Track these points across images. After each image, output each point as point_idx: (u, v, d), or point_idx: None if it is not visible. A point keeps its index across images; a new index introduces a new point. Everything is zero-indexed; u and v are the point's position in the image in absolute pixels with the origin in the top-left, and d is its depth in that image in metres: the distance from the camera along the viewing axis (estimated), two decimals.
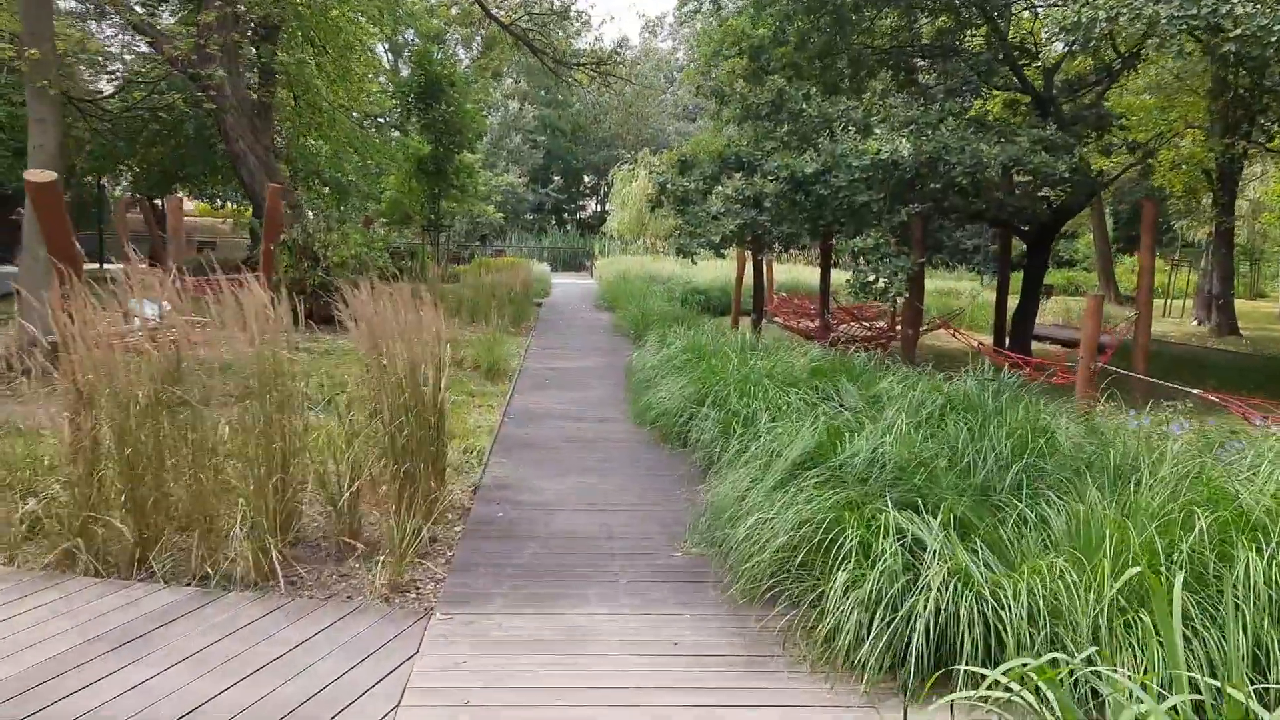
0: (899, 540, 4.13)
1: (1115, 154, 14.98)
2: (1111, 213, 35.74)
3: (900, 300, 11.65)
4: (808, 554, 4.34)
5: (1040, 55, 14.18)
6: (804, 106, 13.54)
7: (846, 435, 5.26)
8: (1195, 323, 25.84)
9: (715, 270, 24.87)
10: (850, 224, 12.45)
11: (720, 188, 13.08)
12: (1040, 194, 13.02)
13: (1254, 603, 3.47)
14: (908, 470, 4.72)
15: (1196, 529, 3.75)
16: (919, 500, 4.49)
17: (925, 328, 15.00)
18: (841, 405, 6.71)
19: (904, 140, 11.52)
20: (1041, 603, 3.69)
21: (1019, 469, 4.69)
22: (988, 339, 15.73)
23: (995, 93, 16.02)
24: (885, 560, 3.99)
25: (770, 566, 4.49)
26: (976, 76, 15.35)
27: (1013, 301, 15.48)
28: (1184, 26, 9.42)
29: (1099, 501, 4.21)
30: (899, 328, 15.33)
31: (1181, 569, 3.62)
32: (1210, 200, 22.71)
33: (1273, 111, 15.21)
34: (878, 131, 12.24)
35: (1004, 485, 4.66)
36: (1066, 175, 11.47)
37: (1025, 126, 12.30)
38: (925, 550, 4.10)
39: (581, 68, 27.82)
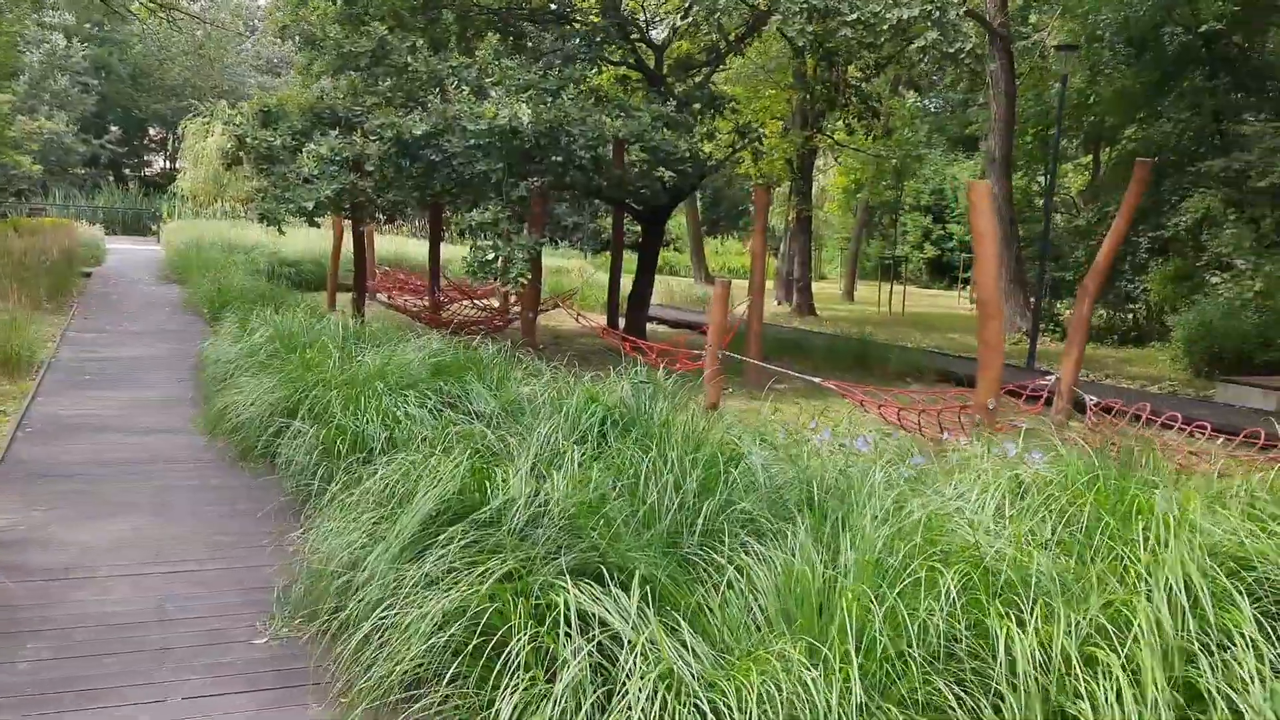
0: (585, 634, 3.01)
1: (721, 137, 15.19)
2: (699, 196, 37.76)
3: (524, 282, 10.65)
4: (461, 664, 3.09)
5: (650, 30, 13.89)
6: (410, 60, 12.03)
7: (496, 471, 4.05)
8: (776, 303, 27.79)
9: (307, 240, 22.49)
10: (466, 195, 11.23)
11: (313, 146, 11.23)
12: (656, 173, 12.64)
13: (1022, 690, 2.79)
14: (580, 519, 3.61)
15: (943, 593, 3.02)
16: (601, 564, 3.40)
17: (542, 308, 14.22)
18: (476, 418, 5.50)
19: (524, 105, 10.47)
20: (778, 712, 2.75)
21: (712, 507, 3.76)
22: (604, 320, 15.31)
23: (607, 67, 15.56)
24: (570, 670, 2.85)
25: (405, 677, 3.18)
26: (589, 47, 14.76)
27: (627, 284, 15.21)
28: (805, 5, 9.32)
29: (813, 553, 3.38)
30: (519, 309, 14.41)
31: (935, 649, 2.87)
32: (790, 188, 24.34)
33: (853, 107, 16.20)
34: (494, 94, 11.09)
35: (695, 530, 3.71)
36: (688, 154, 11.11)
37: (645, 103, 11.78)
38: (621, 642, 3.02)
39: None
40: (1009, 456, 4.33)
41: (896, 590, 3.03)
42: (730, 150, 15.19)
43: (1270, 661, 2.77)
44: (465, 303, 16.35)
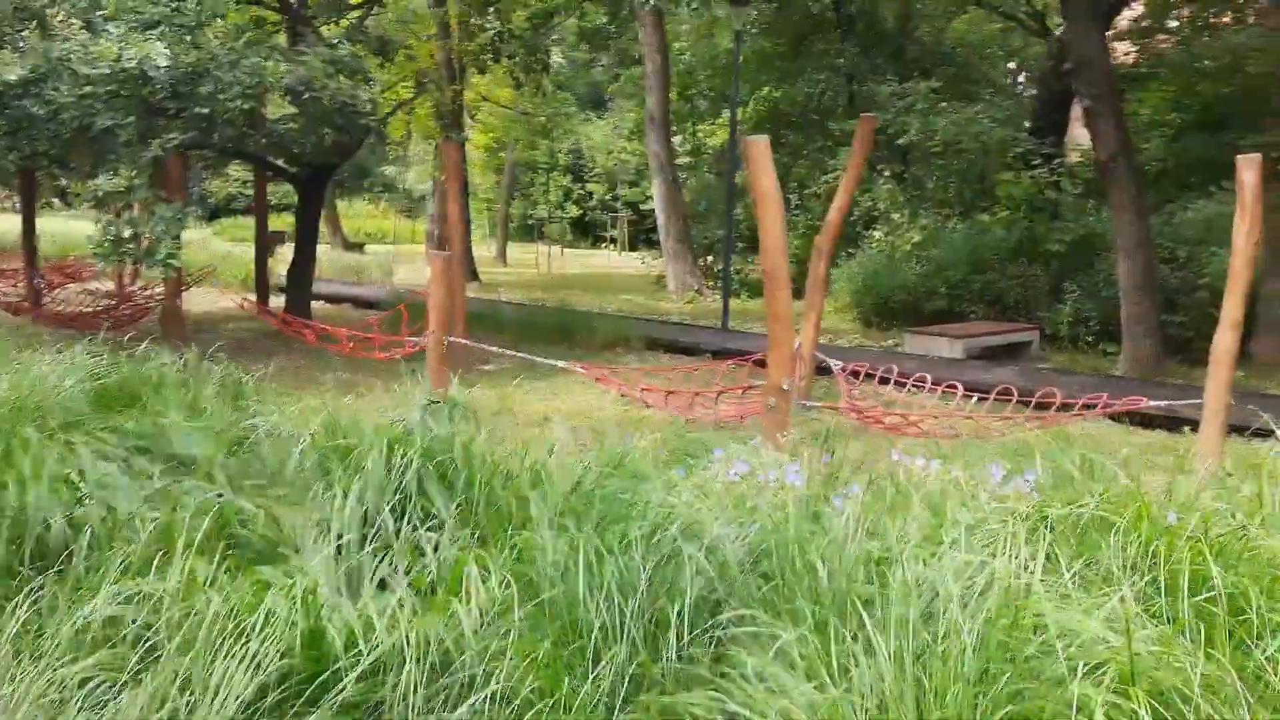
0: None
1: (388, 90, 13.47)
2: None
3: (173, 264, 8.51)
4: None
5: None
6: None
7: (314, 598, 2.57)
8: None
9: None
10: (84, 157, 8.78)
11: None
12: (323, 129, 10.77)
13: None
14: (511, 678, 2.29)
15: None
16: None
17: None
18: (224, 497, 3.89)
19: (159, 44, 8.28)
20: None
21: (681, 609, 2.53)
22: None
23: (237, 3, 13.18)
24: None
25: None
26: None
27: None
28: None
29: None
30: (151, 295, 11.88)
31: None
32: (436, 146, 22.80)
33: (520, 59, 15.13)
34: (111, 29, 8.72)
35: (666, 659, 2.47)
36: (368, 106, 9.47)
37: (310, 44, 9.90)
38: None
39: None
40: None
41: None
42: (401, 100, 13.50)
43: None
44: (73, 288, 13.37)
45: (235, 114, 9.13)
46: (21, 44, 8.54)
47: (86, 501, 3.51)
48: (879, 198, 15.67)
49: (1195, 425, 7.91)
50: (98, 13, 8.90)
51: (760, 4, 19.60)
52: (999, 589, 2.30)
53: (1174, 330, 10.94)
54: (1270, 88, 16.74)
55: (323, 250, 27.63)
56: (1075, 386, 8.99)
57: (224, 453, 4.14)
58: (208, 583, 2.71)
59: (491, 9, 14.52)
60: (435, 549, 2.83)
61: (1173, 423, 8.06)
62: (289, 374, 10.22)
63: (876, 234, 15.32)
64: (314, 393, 9.23)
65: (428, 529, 3.04)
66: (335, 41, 10.23)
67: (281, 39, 11.96)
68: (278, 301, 14.32)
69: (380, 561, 2.87)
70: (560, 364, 7.96)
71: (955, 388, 7.49)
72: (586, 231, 42.99)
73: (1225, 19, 18.80)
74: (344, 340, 9.44)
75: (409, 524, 3.10)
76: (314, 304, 15.84)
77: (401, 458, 3.31)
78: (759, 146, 6.00)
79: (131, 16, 8.85)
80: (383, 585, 2.82)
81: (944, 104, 16.67)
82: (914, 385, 7.70)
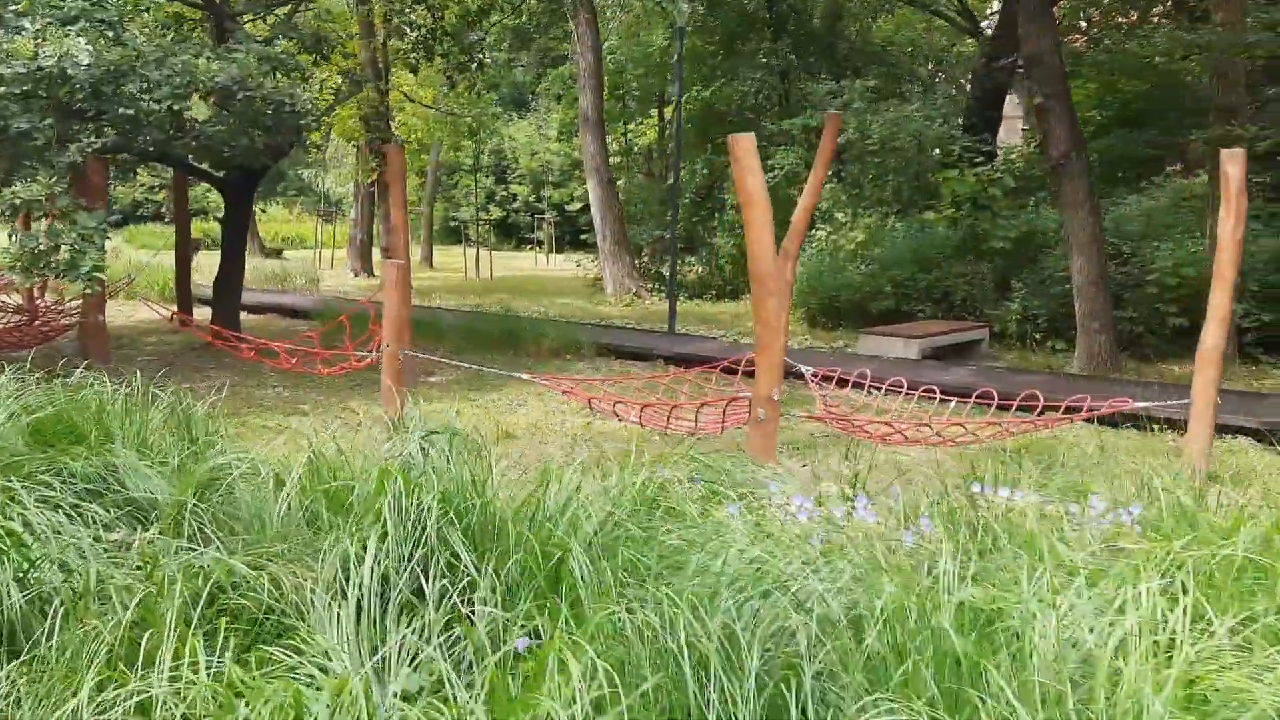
0: None
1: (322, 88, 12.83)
2: None
3: (98, 277, 7.86)
4: None
5: None
6: None
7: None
8: (353, 275, 25.42)
9: None
10: None
11: None
12: (255, 130, 10.16)
13: None
14: None
15: None
16: None
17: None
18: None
19: (80, 41, 7.64)
20: None
21: (800, 690, 2.16)
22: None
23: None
24: None
25: None
26: None
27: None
28: None
29: None
30: (65, 309, 11.09)
31: None
32: (357, 149, 22.10)
33: (454, 57, 14.61)
34: (27, 25, 8.03)
35: None
36: (308, 107, 8.93)
37: (240, 41, 9.30)
38: None
39: None
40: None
41: None
42: (336, 99, 12.87)
43: None
44: None
45: (162, 115, 8.52)
46: None
47: (41, 564, 3.04)
48: (821, 196, 15.56)
49: (1168, 424, 7.93)
50: (10, 7, 8.20)
51: (693, 2, 19.39)
52: (1144, 649, 2.03)
53: (1123, 325, 11.01)
54: (1180, 86, 17.21)
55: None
56: (1044, 386, 8.92)
57: (192, 497, 3.69)
58: (209, 673, 2.29)
59: (422, 5, 13.99)
60: (467, 611, 2.45)
61: (1140, 421, 8.01)
62: (224, 390, 9.61)
63: (819, 233, 15.21)
64: (257, 413, 8.68)
65: (460, 591, 2.66)
66: (267, 38, 9.62)
67: (199, 36, 11.31)
68: (199, 313, 13.62)
69: (408, 630, 2.48)
70: (524, 376, 7.55)
71: (933, 392, 7.34)
72: (510, 234, 42.40)
73: (1133, 18, 19.33)
74: (285, 355, 8.89)
75: (433, 583, 2.71)
76: (250, 317, 15.12)
77: (416, 504, 2.92)
78: (744, 144, 5.72)
79: (48, 11, 8.17)
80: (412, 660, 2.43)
81: (879, 102, 16.68)
82: (890, 389, 7.53)
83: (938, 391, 7.28)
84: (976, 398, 6.97)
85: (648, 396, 8.20)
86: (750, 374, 8.35)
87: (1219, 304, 6.18)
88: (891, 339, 11.52)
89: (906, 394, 7.44)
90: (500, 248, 42.66)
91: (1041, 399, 6.71)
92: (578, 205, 39.68)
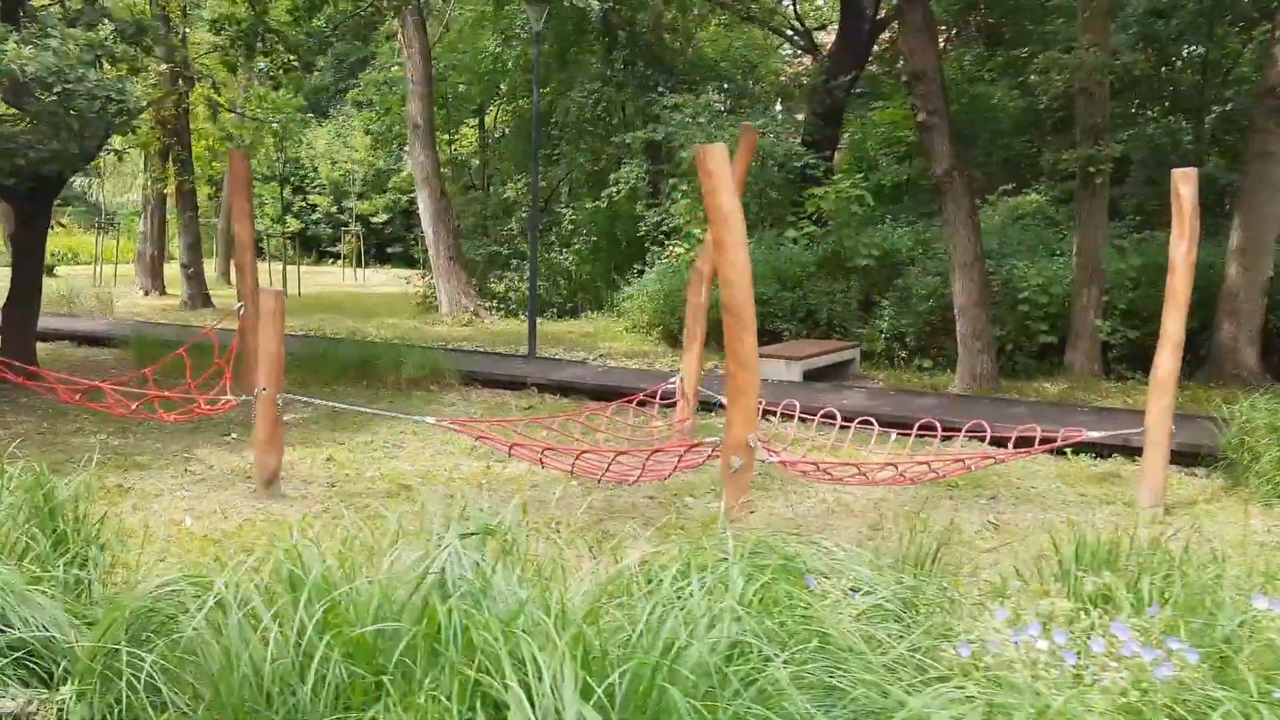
0: None
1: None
2: None
3: None
4: None
5: None
6: None
7: None
8: (143, 294, 22.95)
9: None
10: None
11: None
12: (63, 131, 8.56)
13: None
14: None
15: None
16: None
17: None
18: None
19: None
20: None
21: None
22: None
23: None
24: None
25: None
26: None
27: None
28: None
29: None
30: None
31: None
32: (170, 156, 19.91)
33: (277, 56, 13.20)
34: None
35: None
36: (142, 104, 7.57)
37: (56, 24, 7.77)
38: None
39: None
40: None
41: None
42: (162, 94, 11.19)
43: None
44: None
45: None
46: None
47: None
48: (677, 212, 15.17)
49: (1086, 450, 7.86)
50: None
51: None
52: None
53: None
54: (995, 108, 18.04)
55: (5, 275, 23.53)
56: (940, 409, 8.77)
57: (115, 641, 2.66)
58: None
59: None
60: None
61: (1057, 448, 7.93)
62: (34, 441, 8.01)
63: (678, 248, 14.77)
64: (86, 471, 7.18)
65: None
66: (82, 23, 8.07)
67: None
68: None
69: None
70: (429, 420, 6.54)
71: (870, 422, 6.96)
72: (309, 247, 39.88)
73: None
74: (115, 399, 7.45)
75: None
76: (51, 344, 13.06)
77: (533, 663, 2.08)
78: (716, 156, 5.06)
79: None
80: None
81: (720, 117, 16.49)
82: (822, 421, 7.09)
83: (875, 423, 6.90)
84: (919, 429, 6.62)
85: (568, 438, 7.41)
86: (668, 405, 7.76)
87: (1172, 329, 6.07)
88: (774, 360, 11.17)
89: (840, 426, 7.03)
90: (300, 262, 40.11)
91: (988, 429, 6.46)
92: (383, 217, 37.81)
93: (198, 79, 16.19)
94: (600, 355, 13.54)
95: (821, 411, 7.16)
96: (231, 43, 12.58)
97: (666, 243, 16.07)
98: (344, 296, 24.06)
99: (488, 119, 25.81)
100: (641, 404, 7.71)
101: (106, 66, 7.44)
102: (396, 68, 22.87)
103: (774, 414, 7.53)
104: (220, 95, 19.71)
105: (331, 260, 39.54)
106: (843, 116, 17.62)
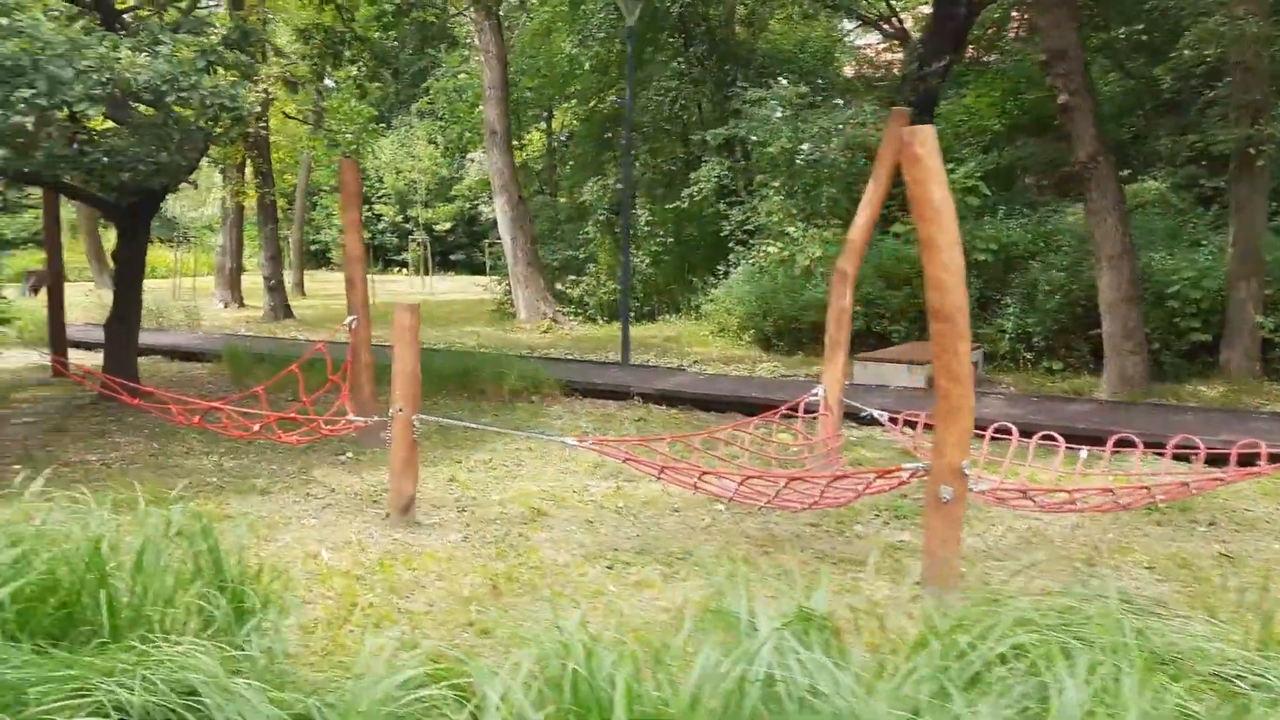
0: None
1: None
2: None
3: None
4: None
5: None
6: None
7: None
8: (222, 306, 22.93)
9: None
10: None
11: None
12: (164, 144, 8.24)
13: None
14: None
15: None
16: None
17: None
18: None
19: None
20: None
21: None
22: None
23: None
24: None
25: None
26: None
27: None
28: None
29: None
30: None
31: None
32: (251, 170, 19.83)
33: (365, 64, 12.87)
34: None
35: None
36: (251, 111, 7.20)
37: (163, 31, 7.43)
38: None
39: None
40: None
41: None
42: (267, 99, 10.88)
43: None
44: None
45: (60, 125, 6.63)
46: None
47: None
48: (770, 210, 14.54)
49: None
50: None
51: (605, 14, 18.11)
52: None
53: None
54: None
55: (89, 291, 23.66)
56: (1099, 417, 8.06)
57: None
58: None
59: (331, 4, 12.27)
60: None
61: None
62: (147, 464, 7.69)
63: (769, 248, 14.16)
64: (205, 497, 6.82)
65: None
66: (184, 30, 7.74)
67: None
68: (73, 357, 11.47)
69: None
70: (569, 440, 6.03)
71: (1053, 438, 6.19)
72: (376, 256, 39.98)
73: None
74: (232, 419, 7.06)
75: None
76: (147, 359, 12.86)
77: None
78: (927, 140, 4.47)
79: None
80: None
81: (807, 110, 15.84)
82: (1001, 438, 6.32)
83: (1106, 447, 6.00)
84: (1115, 445, 5.89)
85: (708, 456, 6.87)
86: (800, 414, 7.10)
87: None
88: (895, 365, 10.55)
89: (1058, 450, 6.07)
90: (368, 271, 40.15)
91: (1203, 446, 5.70)
92: (447, 225, 37.73)
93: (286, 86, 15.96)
94: (694, 361, 13.00)
95: (1039, 435, 6.14)
96: (320, 51, 12.26)
97: (751, 242, 15.45)
98: (422, 305, 23.83)
99: (554, 123, 25.45)
100: (790, 415, 7.13)
101: (220, 72, 7.07)
102: (464, 74, 22.59)
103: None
104: (294, 107, 19.57)
105: (397, 269, 39.60)
106: (935, 106, 16.86)
